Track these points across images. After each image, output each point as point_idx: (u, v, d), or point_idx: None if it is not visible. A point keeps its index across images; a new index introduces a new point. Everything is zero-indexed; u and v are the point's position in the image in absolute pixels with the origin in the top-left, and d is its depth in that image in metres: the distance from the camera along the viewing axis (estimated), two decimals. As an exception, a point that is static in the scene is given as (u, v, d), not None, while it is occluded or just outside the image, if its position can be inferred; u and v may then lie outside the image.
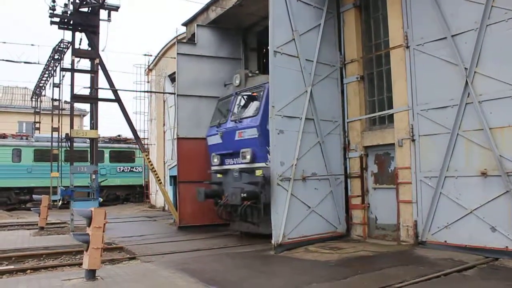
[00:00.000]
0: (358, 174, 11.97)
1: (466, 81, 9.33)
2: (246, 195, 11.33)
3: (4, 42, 33.78)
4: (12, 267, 9.70)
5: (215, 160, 13.43)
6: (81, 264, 8.21)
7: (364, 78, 12.23)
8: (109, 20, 16.59)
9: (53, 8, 16.04)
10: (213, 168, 13.62)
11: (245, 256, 10.17)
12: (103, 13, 16.45)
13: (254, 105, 12.20)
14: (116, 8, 16.74)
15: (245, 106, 12.57)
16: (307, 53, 11.50)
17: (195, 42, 15.56)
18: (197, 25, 15.87)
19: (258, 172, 11.53)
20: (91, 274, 7.73)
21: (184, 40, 17.16)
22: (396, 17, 10.89)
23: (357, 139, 12.07)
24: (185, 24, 17.44)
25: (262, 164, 11.45)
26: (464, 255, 8.99)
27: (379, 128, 11.80)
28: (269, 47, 10.71)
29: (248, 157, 11.86)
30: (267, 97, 11.30)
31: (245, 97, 12.72)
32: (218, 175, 13.38)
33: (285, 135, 10.78)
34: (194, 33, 15.85)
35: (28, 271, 9.28)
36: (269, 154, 10.93)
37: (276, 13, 10.84)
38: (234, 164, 12.64)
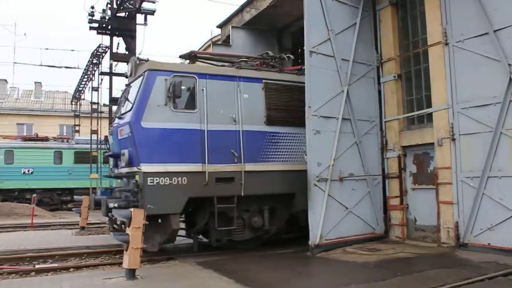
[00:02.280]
0: (396, 175, 11.75)
1: (510, 77, 9.02)
2: (117, 205, 9.79)
3: (47, 49, 34.95)
4: (56, 265, 10.02)
5: (111, 162, 12.21)
6: (121, 263, 8.37)
7: (401, 76, 12.00)
8: (145, 24, 16.99)
9: (92, 14, 16.54)
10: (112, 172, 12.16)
11: (282, 257, 10.15)
12: (139, 18, 16.84)
13: (133, 98, 10.33)
14: (152, 12, 17.12)
15: (129, 99, 10.59)
16: (343, 52, 11.38)
17: (230, 43, 15.66)
18: (232, 26, 15.98)
19: (137, 177, 9.74)
20: (131, 274, 7.88)
21: (219, 42, 17.31)
22: (434, 13, 10.64)
23: (395, 139, 11.85)
24: (220, 26, 17.58)
25: (142, 168, 9.56)
26: (509, 258, 8.62)
27: (417, 128, 11.55)
28: (304, 47, 10.65)
29: (125, 159, 10.11)
30: (144, 88, 9.86)
31: (130, 89, 10.91)
32: (119, 180, 11.80)
33: (322, 136, 10.69)
34: (229, 35, 15.97)
35: (71, 269, 9.54)
36: (145, 156, 9.56)
37: (311, 13, 10.76)
38: (121, 167, 10.84)
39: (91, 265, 9.91)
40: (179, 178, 9.76)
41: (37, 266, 9.96)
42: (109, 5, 17.00)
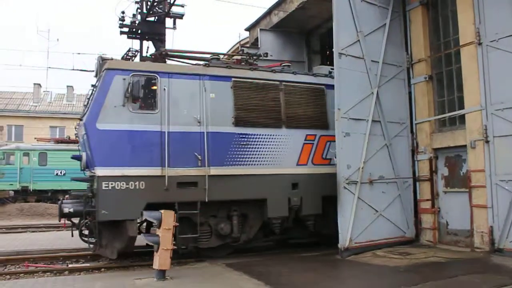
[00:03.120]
0: (427, 177, 11.53)
1: (547, 78, 8.76)
2: (72, 211, 9.65)
3: (79, 53, 35.77)
4: (88, 264, 10.24)
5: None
6: (151, 264, 8.49)
7: (432, 78, 11.78)
8: (174, 28, 17.10)
9: (122, 19, 16.78)
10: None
11: (310, 260, 10.10)
12: (168, 22, 17.01)
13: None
14: (181, 16, 17.23)
15: (91, 100, 10.19)
16: (373, 54, 11.26)
17: (259, 46, 15.67)
18: (260, 29, 15.99)
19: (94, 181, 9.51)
20: (161, 274, 7.98)
21: (248, 45, 17.35)
22: (467, 13, 10.40)
23: (426, 141, 11.63)
24: (248, 29, 17.63)
25: (96, 171, 9.23)
26: (547, 264, 8.41)
27: (449, 130, 11.31)
28: (333, 49, 10.58)
29: (83, 162, 10.02)
30: (100, 88, 9.52)
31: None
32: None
33: (352, 138, 10.59)
34: (257, 38, 15.98)
35: (102, 269, 9.72)
36: (100, 159, 9.22)
37: (340, 15, 10.68)
38: (87, 170, 10.52)
39: (122, 266, 10.06)
40: (137, 183, 9.30)
41: (70, 266, 10.22)
42: (139, 10, 17.24)
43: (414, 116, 11.95)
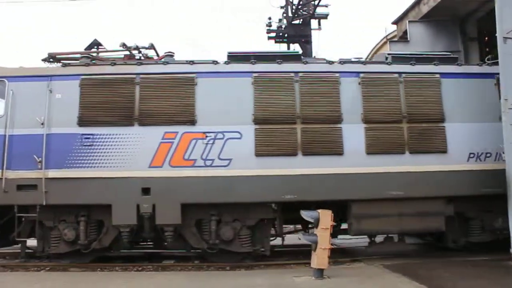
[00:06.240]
0: None
1: None
2: None
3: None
4: (247, 262, 10.74)
5: None
6: (305, 263, 8.64)
7: None
8: (319, 28, 17.36)
9: (269, 25, 17.54)
10: None
11: (476, 265, 9.33)
12: (313, 23, 17.29)
13: None
14: (325, 16, 17.41)
15: None
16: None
17: (408, 39, 15.02)
18: (409, 21, 15.30)
19: None
20: (319, 273, 8.07)
21: (395, 39, 16.75)
22: None
23: None
24: (395, 22, 16.98)
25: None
26: None
27: None
28: (497, 34, 9.63)
29: None
30: None
31: None
32: None
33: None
34: (406, 31, 15.33)
35: (262, 266, 10.15)
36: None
37: (503, -7, 9.68)
38: None
39: (278, 263, 10.37)
40: None
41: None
42: (284, 14, 17.83)
43: None
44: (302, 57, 10.42)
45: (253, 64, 10.09)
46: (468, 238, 10.35)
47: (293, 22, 17.14)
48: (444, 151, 9.96)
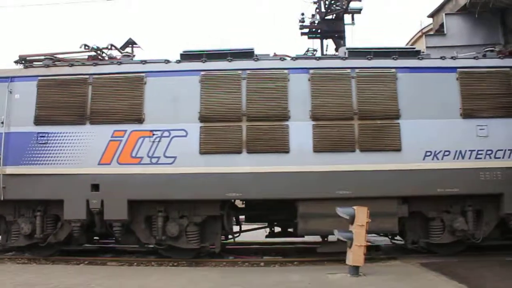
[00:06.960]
0: None
1: None
2: None
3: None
4: (281, 258, 10.76)
5: None
6: (340, 261, 8.58)
7: None
8: (353, 23, 17.15)
9: (302, 21, 17.46)
10: None
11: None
12: (347, 18, 17.09)
13: None
14: (359, 11, 17.20)
15: None
16: None
17: (444, 32, 14.68)
18: (446, 14, 14.95)
19: None
20: (355, 270, 8.00)
21: (431, 32, 16.40)
22: None
23: None
24: (431, 15, 16.64)
25: None
26: None
27: None
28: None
29: None
30: None
31: None
32: None
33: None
34: (442, 23, 14.99)
35: (295, 262, 10.13)
36: None
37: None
38: None
39: (313, 260, 10.32)
40: None
41: (264, 258, 10.86)
42: (317, 10, 17.71)
43: None
44: (254, 54, 10.29)
45: (203, 62, 10.13)
46: (429, 239, 9.96)
47: (326, 18, 16.98)
48: (398, 149, 9.55)
